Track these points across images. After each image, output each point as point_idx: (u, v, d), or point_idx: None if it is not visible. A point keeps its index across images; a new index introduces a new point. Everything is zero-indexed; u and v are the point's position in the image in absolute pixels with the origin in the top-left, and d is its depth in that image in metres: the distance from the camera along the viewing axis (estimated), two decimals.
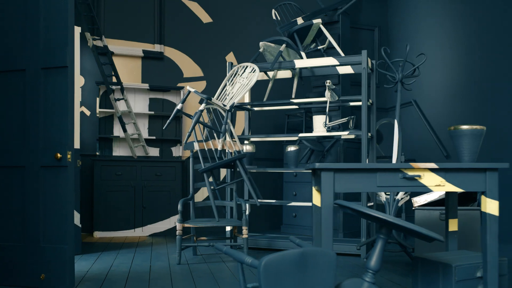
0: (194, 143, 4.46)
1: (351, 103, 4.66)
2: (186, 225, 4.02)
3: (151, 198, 5.74)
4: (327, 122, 4.34)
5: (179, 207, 4.02)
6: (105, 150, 5.89)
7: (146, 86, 5.98)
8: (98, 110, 5.76)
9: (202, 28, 6.40)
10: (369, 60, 4.46)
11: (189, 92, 4.40)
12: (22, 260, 3.19)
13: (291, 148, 4.70)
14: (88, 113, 5.94)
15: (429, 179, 2.31)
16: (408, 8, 6.95)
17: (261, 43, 4.79)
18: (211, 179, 5.58)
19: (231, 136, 5.19)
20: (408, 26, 6.95)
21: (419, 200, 3.70)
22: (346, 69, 4.69)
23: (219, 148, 4.39)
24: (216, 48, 6.42)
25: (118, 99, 5.83)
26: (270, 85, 4.93)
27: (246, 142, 5.08)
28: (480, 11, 5.33)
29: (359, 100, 4.52)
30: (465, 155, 2.42)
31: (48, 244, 3.15)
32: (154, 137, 5.95)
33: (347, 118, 4.50)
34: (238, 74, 4.64)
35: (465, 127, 2.41)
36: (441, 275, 2.46)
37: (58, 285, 3.11)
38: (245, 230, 4.16)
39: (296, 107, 4.87)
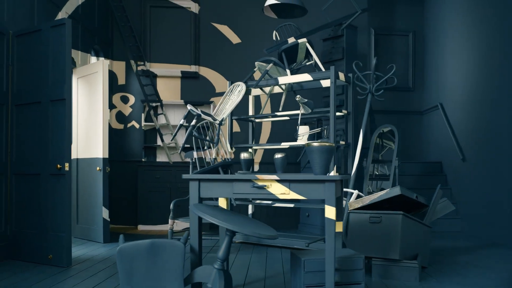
0: (194, 152, 5.20)
1: (338, 113, 5.03)
2: (176, 221, 4.78)
3: (183, 198, 6.60)
4: (298, 133, 4.79)
5: (171, 206, 4.80)
6: (150, 157, 6.91)
7: (182, 102, 6.87)
8: (143, 123, 6.79)
9: (232, 48, 7.12)
10: (341, 74, 4.81)
11: (189, 110, 5.15)
12: (37, 243, 4.21)
13: (278, 155, 5.21)
14: (137, 126, 7.01)
15: (276, 188, 2.77)
16: (445, 12, 6.91)
17: (256, 63, 5.37)
18: None
19: (222, 145, 5.83)
20: (445, 30, 6.91)
21: (354, 204, 4.00)
22: (328, 83, 5.07)
23: (213, 156, 5.08)
24: (244, 65, 7.09)
25: (159, 114, 6.80)
26: (266, 99, 5.48)
27: (250, 150, 5.69)
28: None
29: (337, 111, 4.88)
30: (316, 167, 2.82)
31: (53, 232, 4.13)
32: (188, 145, 6.82)
33: (320, 128, 4.89)
34: (232, 92, 5.28)
35: (315, 144, 2.81)
36: (299, 267, 2.90)
37: (59, 263, 4.07)
38: None
39: (287, 118, 5.36)
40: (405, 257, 3.66)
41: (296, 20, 6.87)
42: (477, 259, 4.44)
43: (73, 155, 5.80)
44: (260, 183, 2.79)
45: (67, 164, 4.08)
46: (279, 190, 2.76)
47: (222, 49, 7.13)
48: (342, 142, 4.86)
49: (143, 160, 6.83)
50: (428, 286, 3.41)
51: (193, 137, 5.01)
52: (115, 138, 7.00)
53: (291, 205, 5.02)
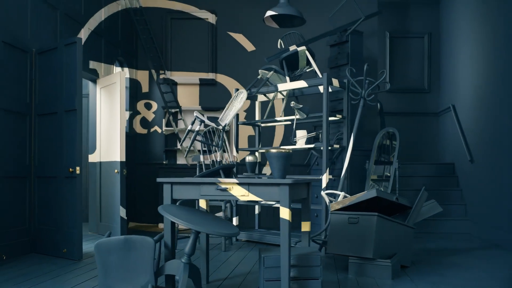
0: (200, 155, 5.54)
1: (331, 118, 5.21)
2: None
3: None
4: (294, 137, 5.00)
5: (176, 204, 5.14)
6: (171, 159, 7.32)
7: (200, 107, 7.23)
8: (164, 128, 7.21)
9: (246, 55, 7.40)
10: (335, 80, 4.98)
11: (196, 116, 5.48)
12: (54, 238, 4.68)
13: (250, 158, 5.47)
14: (159, 130, 7.44)
15: (237, 190, 3.03)
16: (460, 13, 6.87)
17: (259, 70, 5.63)
18: None
19: (225, 149, 6.12)
20: (460, 31, 6.88)
21: (335, 205, 4.16)
22: (335, 87, 5.25)
23: (218, 159, 5.40)
24: (258, 72, 7.35)
25: (178, 119, 7.20)
26: (270, 104, 5.73)
27: (257, 153, 5.95)
28: None
29: (332, 116, 5.06)
30: (275, 172, 3.05)
31: (67, 229, 4.58)
32: (205, 149, 7.17)
33: (315, 133, 5.08)
34: (236, 99, 5.57)
35: (273, 151, 3.04)
36: (261, 263, 3.14)
37: (71, 257, 4.52)
38: None
39: (289, 122, 5.58)
40: (380, 256, 3.80)
41: (305, 27, 7.06)
42: (466, 261, 4.49)
43: (97, 159, 6.29)
44: (222, 186, 3.06)
45: (78, 168, 4.52)
46: (239, 192, 3.02)
47: (237, 57, 7.43)
48: (336, 146, 5.02)
49: (164, 162, 7.24)
50: (400, 284, 3.55)
51: (199, 142, 5.33)
52: (140, 142, 7.46)
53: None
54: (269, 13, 5.37)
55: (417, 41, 7.82)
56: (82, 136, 6.10)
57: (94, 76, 6.28)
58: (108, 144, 6.06)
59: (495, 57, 5.48)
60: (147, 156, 7.44)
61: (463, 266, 4.23)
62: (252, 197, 3.00)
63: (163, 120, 7.27)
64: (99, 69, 6.38)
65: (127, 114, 7.29)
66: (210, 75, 7.43)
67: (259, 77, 5.67)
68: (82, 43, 5.94)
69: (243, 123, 5.84)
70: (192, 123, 5.53)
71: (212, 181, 3.06)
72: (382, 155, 5.99)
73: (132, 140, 7.38)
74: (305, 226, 3.37)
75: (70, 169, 4.53)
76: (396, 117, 7.69)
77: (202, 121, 5.35)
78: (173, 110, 7.23)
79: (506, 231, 5.15)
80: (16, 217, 4.70)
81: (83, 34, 6.01)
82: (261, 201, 3.85)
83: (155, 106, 7.49)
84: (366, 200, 4.26)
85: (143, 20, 7.32)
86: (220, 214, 5.77)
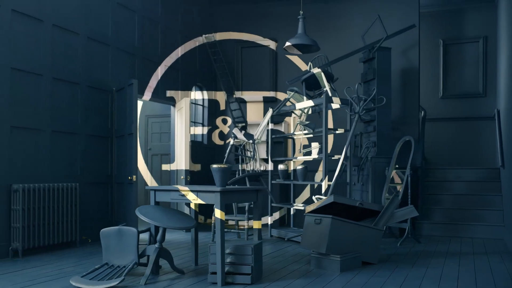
0: (238, 165, 6.54)
1: (337, 131, 5.77)
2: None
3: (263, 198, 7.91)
4: (301, 149, 5.69)
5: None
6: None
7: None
8: (235, 140, 8.37)
9: (301, 74, 8.14)
10: (335, 99, 5.55)
11: (232, 132, 6.52)
12: None
13: (281, 167, 6.19)
14: (232, 142, 8.61)
15: (190, 195, 3.98)
16: None
17: (287, 91, 6.42)
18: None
19: (256, 159, 6.95)
20: None
21: (308, 208, 4.74)
22: (335, 105, 5.82)
23: (252, 168, 6.35)
24: None
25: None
26: (297, 120, 6.46)
27: (292, 161, 6.71)
28: None
29: (336, 130, 5.63)
30: (217, 182, 3.91)
31: (129, 222, 6.01)
32: (266, 157, 8.12)
33: (320, 145, 5.68)
34: (265, 117, 6.45)
35: (214, 166, 3.90)
36: (208, 251, 4.03)
37: None
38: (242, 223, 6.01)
39: (311, 135, 6.25)
40: (334, 252, 4.35)
41: (342, 46, 7.51)
42: (438, 262, 4.69)
43: (174, 167, 7.73)
44: (182, 192, 4.05)
45: (134, 176, 5.92)
46: (191, 197, 3.98)
47: (293, 76, 8.21)
48: (336, 156, 5.57)
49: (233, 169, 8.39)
50: (344, 276, 4.10)
51: (234, 154, 6.35)
52: (218, 152, 8.74)
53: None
54: (287, 43, 6.13)
55: (472, 45, 7.63)
56: (170, 149, 7.64)
57: (172, 102, 7.75)
58: (180, 155, 7.44)
59: None
60: (222, 163, 8.68)
61: (431, 267, 4.49)
62: (200, 201, 3.94)
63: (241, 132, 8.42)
64: (176, 96, 7.82)
65: (205, 129, 8.64)
66: (271, 93, 8.36)
67: (287, 96, 6.45)
68: (159, 78, 7.46)
69: (276, 137, 6.67)
70: (234, 138, 6.58)
71: (175, 188, 4.08)
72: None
73: (212, 150, 8.69)
74: (256, 224, 4.17)
75: (129, 177, 5.95)
76: (449, 123, 7.62)
77: (235, 137, 6.37)
78: (240, 125, 8.34)
79: None
80: (103, 212, 6.31)
81: (160, 71, 7.50)
82: (203, 203, 4.68)
83: (229, 121, 8.69)
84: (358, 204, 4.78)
85: (217, 51, 8.59)
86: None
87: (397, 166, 6.35)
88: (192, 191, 3.98)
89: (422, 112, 7.16)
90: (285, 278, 4.03)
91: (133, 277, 4.09)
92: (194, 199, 3.98)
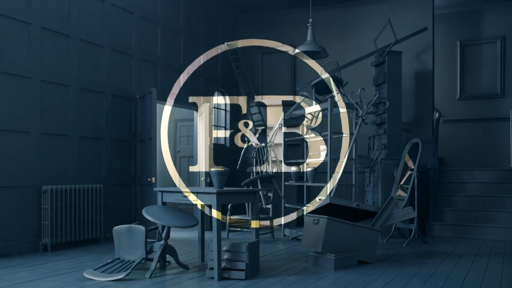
0: (252, 167, 6.77)
1: (345, 135, 5.90)
2: (232, 217, 6.47)
3: (276, 199, 8.11)
4: (308, 152, 5.85)
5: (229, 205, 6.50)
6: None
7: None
8: (255, 142, 8.62)
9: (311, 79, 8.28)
10: (340, 103, 5.68)
11: (246, 136, 6.76)
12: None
13: (293, 169, 6.35)
14: (254, 144, 8.86)
15: (191, 197, 4.25)
16: None
17: (298, 96, 6.59)
18: None
19: (269, 162, 7.13)
20: None
21: (307, 209, 4.89)
22: (342, 110, 5.95)
23: (265, 170, 6.57)
24: None
25: (265, 135, 8.51)
26: (307, 123, 6.62)
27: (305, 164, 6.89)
28: None
29: (338, 133, 5.76)
30: (215, 184, 4.16)
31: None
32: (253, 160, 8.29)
33: (324, 148, 5.82)
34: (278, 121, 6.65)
35: (213, 169, 4.16)
36: (208, 248, 4.28)
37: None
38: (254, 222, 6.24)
39: (320, 138, 6.40)
40: (330, 251, 4.50)
41: (353, 50, 7.57)
42: (435, 262, 4.74)
43: (196, 169, 8.06)
44: (184, 194, 4.33)
45: (153, 178, 6.28)
46: (192, 198, 4.26)
47: (311, 79, 8.35)
48: (343, 159, 5.69)
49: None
50: (338, 273, 4.25)
51: (248, 156, 6.60)
52: (239, 154, 9.00)
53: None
54: (296, 50, 6.31)
55: (490, 46, 7.50)
56: (193, 152, 8.02)
57: (194, 108, 8.09)
58: (201, 158, 7.77)
59: None
60: (245, 165, 8.93)
61: (426, 266, 4.55)
62: (199, 202, 4.21)
63: (255, 135, 8.66)
64: (198, 101, 8.14)
65: (228, 133, 8.93)
66: (290, 97, 8.53)
67: (299, 101, 6.62)
68: (181, 85, 7.81)
69: (289, 141, 6.85)
70: (248, 142, 6.83)
71: (178, 190, 4.37)
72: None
73: (234, 153, 8.97)
74: (253, 224, 4.39)
75: (149, 179, 6.32)
76: (467, 124, 7.52)
77: (248, 140, 6.62)
78: (259, 128, 8.57)
79: None
80: (126, 211, 6.72)
81: (182, 78, 7.86)
82: (202, 203, 4.90)
83: (251, 124, 8.94)
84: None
85: (238, 58, 8.86)
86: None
87: (412, 168, 6.38)
88: (192, 192, 4.26)
89: (437, 113, 7.13)
90: (280, 274, 4.23)
91: (142, 271, 4.42)
92: (195, 200, 4.25)
